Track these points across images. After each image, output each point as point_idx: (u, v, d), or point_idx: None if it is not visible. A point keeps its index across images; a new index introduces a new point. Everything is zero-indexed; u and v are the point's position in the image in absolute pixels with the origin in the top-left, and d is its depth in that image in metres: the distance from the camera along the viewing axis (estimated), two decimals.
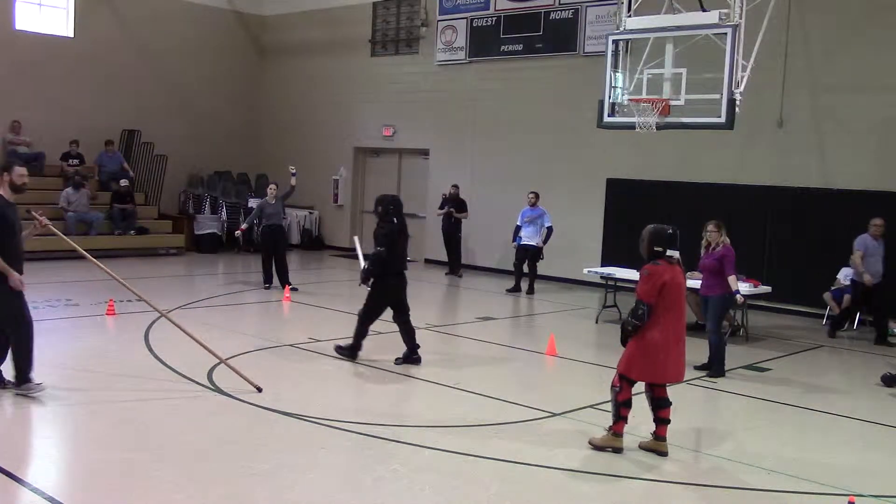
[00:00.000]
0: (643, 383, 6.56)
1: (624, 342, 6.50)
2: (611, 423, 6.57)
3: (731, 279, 9.31)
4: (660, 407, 6.54)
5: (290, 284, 13.54)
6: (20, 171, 7.30)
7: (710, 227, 9.54)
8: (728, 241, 9.47)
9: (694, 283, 11.58)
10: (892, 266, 12.55)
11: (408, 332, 9.17)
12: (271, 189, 14.24)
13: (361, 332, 9.10)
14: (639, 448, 6.58)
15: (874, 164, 13.01)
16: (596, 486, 5.95)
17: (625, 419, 6.50)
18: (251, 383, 7.67)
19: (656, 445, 6.53)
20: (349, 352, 9.16)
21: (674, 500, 5.75)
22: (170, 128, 19.69)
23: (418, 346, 9.21)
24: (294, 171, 14.37)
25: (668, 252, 6.38)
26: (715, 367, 9.29)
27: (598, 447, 6.50)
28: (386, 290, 9.02)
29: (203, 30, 20.65)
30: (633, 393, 6.50)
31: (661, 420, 6.53)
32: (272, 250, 13.83)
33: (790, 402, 8.35)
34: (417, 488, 5.63)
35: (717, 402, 8.56)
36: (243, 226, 14.92)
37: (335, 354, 9.28)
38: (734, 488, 5.97)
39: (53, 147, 18.06)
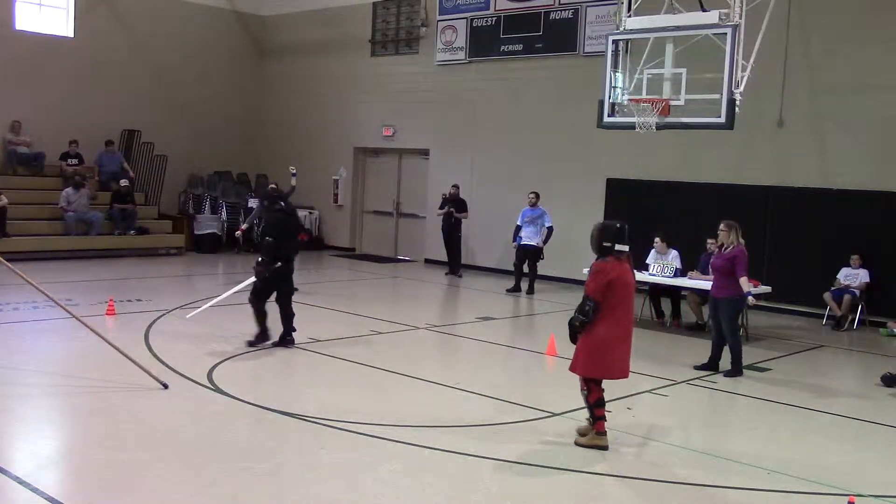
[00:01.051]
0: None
1: (573, 339, 6.59)
2: (592, 424, 6.64)
3: (743, 280, 9.23)
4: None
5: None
6: None
7: (721, 226, 9.46)
8: (742, 242, 9.39)
9: (694, 283, 11.64)
10: (891, 267, 12.59)
11: (287, 318, 9.56)
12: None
13: (261, 315, 9.47)
14: (576, 431, 6.75)
15: (874, 164, 13.01)
16: (598, 486, 5.96)
17: (603, 418, 6.59)
18: (157, 379, 7.66)
19: (583, 429, 6.73)
20: (286, 340, 9.51)
21: (673, 500, 5.75)
22: (170, 128, 19.69)
23: (294, 330, 9.59)
24: (294, 171, 14.37)
25: (618, 247, 6.45)
26: (733, 367, 9.30)
27: (583, 446, 6.56)
28: (276, 274, 9.37)
29: (203, 30, 20.64)
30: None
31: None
32: None
33: (790, 402, 8.34)
34: (417, 488, 5.63)
35: (717, 402, 8.55)
36: (243, 226, 14.94)
37: (335, 355, 9.30)
38: (734, 488, 5.97)
39: (53, 147, 18.05)
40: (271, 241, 9.30)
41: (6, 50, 17.61)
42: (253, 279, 9.64)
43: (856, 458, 6.86)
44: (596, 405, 6.56)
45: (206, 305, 10.44)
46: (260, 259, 9.39)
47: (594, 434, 6.58)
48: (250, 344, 9.44)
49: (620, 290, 6.40)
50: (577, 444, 6.61)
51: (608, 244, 6.45)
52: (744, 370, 9.35)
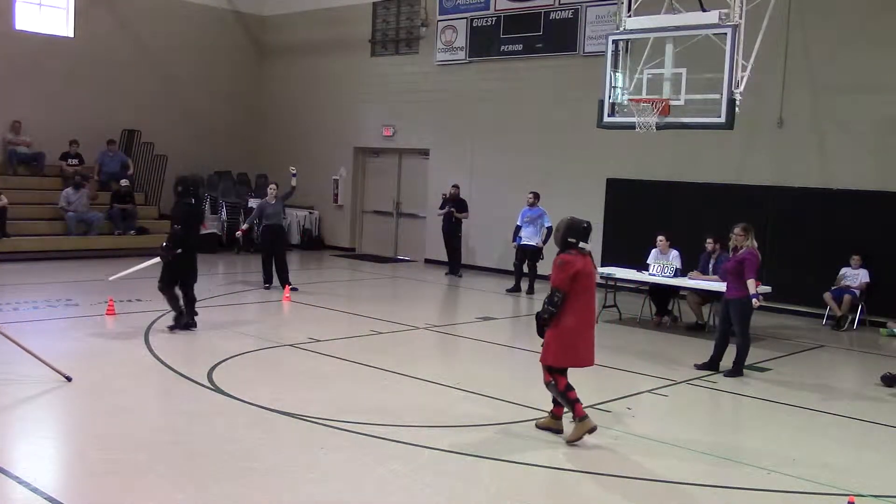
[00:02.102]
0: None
1: (540, 332, 6.76)
2: (571, 414, 6.68)
3: (750, 282, 9.19)
4: None
5: (290, 284, 13.54)
6: None
7: (737, 230, 9.40)
8: (755, 245, 9.39)
9: (694, 283, 11.64)
10: (891, 267, 12.59)
11: (189, 302, 10.29)
12: (272, 189, 14.21)
13: (173, 299, 10.15)
14: (535, 427, 6.88)
15: (874, 164, 13.00)
16: (598, 486, 5.96)
17: (577, 400, 6.68)
18: (61, 373, 7.69)
19: (552, 423, 6.85)
20: (188, 323, 10.17)
21: (673, 499, 5.75)
22: (170, 128, 19.69)
23: (196, 314, 10.33)
24: (294, 171, 14.36)
25: (581, 245, 6.68)
26: (734, 367, 9.32)
27: (575, 441, 6.61)
28: (180, 262, 10.11)
29: (203, 30, 20.64)
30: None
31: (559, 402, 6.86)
32: (272, 250, 13.83)
33: (790, 402, 8.35)
34: (417, 488, 5.63)
35: (718, 402, 8.56)
36: (244, 226, 14.92)
37: (335, 355, 9.31)
38: (734, 488, 5.97)
39: (53, 147, 18.06)
40: (179, 229, 10.04)
41: (6, 50, 17.61)
42: (157, 259, 10.40)
43: (856, 458, 6.86)
44: (567, 390, 6.66)
45: (124, 272, 10.83)
46: (165, 244, 10.15)
47: (578, 422, 6.64)
48: (171, 328, 10.08)
49: (583, 280, 6.63)
50: (567, 441, 6.64)
51: (573, 240, 6.67)
52: (744, 371, 9.35)
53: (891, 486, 6.18)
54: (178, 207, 10.18)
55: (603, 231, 15.58)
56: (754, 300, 9.30)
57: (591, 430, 6.61)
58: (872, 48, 12.94)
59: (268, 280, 13.83)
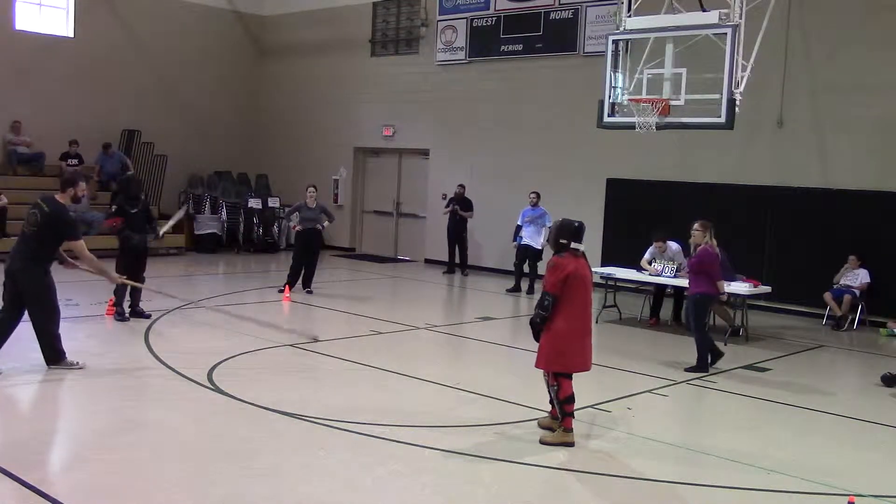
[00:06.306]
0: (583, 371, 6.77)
1: (536, 337, 6.70)
2: (559, 420, 6.66)
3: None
4: None
5: (309, 288, 13.52)
6: (83, 186, 8.37)
7: (696, 225, 9.53)
8: (714, 242, 9.43)
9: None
10: (891, 267, 12.59)
11: (136, 292, 10.86)
12: (311, 192, 13.76)
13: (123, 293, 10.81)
14: (537, 427, 6.87)
15: (874, 164, 13.00)
16: (598, 487, 5.96)
17: (572, 415, 6.64)
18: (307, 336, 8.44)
19: (552, 423, 6.80)
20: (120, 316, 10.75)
21: (675, 500, 5.75)
22: (170, 128, 19.69)
23: (139, 305, 10.98)
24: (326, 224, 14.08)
25: (573, 245, 6.60)
26: (697, 364, 9.38)
27: (547, 444, 6.58)
28: (127, 256, 10.87)
29: (203, 30, 20.65)
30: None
31: None
32: (305, 254, 13.58)
33: (790, 402, 8.35)
34: (417, 488, 5.63)
35: (718, 402, 8.55)
36: (296, 225, 14.02)
37: (335, 355, 9.32)
38: (735, 488, 5.97)
39: (53, 147, 18.05)
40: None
41: (6, 50, 17.61)
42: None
43: (856, 458, 6.86)
44: (566, 402, 6.59)
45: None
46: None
47: (562, 431, 6.62)
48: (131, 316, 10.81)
49: (576, 283, 6.53)
50: (542, 442, 6.62)
51: (564, 241, 6.61)
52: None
53: (891, 486, 6.18)
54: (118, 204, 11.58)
55: (603, 231, 15.60)
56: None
57: (569, 445, 6.55)
58: (872, 48, 12.94)
59: (290, 284, 13.33)
